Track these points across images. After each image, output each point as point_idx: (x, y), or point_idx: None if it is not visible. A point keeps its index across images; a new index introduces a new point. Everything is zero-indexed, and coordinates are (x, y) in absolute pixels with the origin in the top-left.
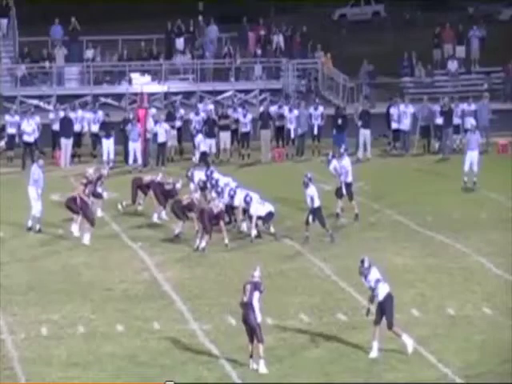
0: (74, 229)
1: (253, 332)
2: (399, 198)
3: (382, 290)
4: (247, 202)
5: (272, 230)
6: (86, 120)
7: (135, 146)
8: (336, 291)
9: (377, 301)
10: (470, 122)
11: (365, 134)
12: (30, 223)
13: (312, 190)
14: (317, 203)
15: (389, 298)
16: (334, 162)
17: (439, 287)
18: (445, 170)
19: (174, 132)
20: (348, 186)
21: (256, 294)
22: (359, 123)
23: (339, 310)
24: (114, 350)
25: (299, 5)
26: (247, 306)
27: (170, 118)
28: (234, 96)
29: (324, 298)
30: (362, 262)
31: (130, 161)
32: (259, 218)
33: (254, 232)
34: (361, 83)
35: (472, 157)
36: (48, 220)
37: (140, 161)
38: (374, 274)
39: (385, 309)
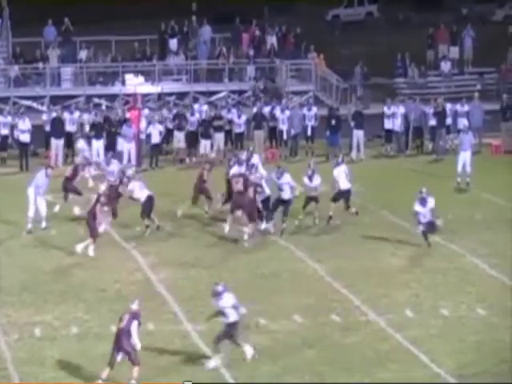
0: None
1: (128, 356)
2: (394, 199)
3: (233, 316)
4: None
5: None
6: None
7: (129, 147)
8: (330, 292)
9: (226, 321)
10: (463, 122)
11: (358, 134)
12: (29, 226)
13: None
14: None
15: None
16: (343, 167)
17: (433, 288)
18: (438, 170)
19: (182, 134)
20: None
21: (134, 323)
22: (352, 124)
23: (333, 310)
24: (107, 351)
25: (293, 5)
26: (123, 332)
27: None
28: (227, 97)
29: (318, 299)
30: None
31: (125, 162)
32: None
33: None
34: (354, 84)
35: (465, 157)
36: (41, 221)
37: (133, 162)
38: (228, 300)
39: (231, 331)
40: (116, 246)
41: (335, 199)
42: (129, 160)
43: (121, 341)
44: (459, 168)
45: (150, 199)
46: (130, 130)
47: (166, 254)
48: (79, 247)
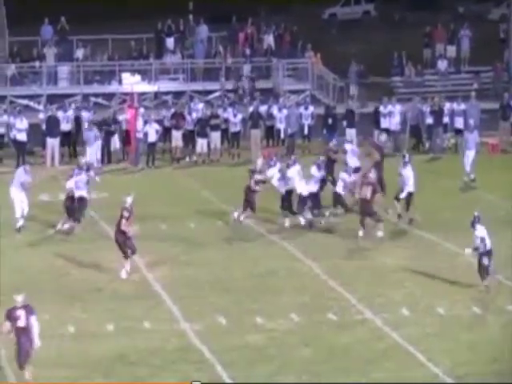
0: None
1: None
2: (389, 198)
3: None
4: None
5: None
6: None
7: (91, 151)
8: (326, 290)
9: None
10: (469, 121)
11: (350, 133)
12: (18, 225)
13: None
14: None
15: None
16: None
17: (429, 287)
18: (435, 169)
19: (179, 133)
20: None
21: (33, 318)
22: (344, 123)
23: (329, 309)
24: (104, 350)
25: (289, 4)
26: (25, 331)
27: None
28: (223, 96)
29: (314, 298)
30: None
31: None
32: None
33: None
34: (350, 83)
35: (470, 156)
36: (37, 220)
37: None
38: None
39: None
40: (112, 246)
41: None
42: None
43: (23, 340)
44: (467, 167)
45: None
46: (91, 134)
47: (162, 254)
48: (123, 274)
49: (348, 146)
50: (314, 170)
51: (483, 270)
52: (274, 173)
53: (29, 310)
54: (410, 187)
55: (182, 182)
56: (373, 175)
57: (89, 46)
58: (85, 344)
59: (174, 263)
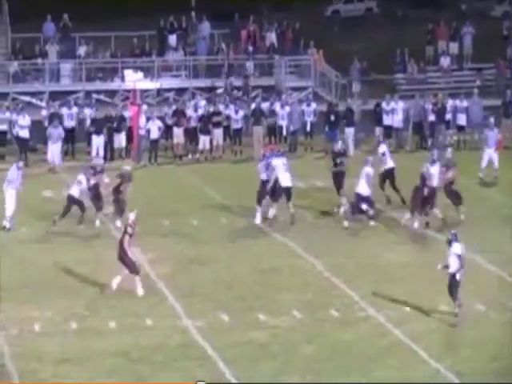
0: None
1: None
2: (392, 195)
3: None
4: None
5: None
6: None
7: (54, 148)
8: (329, 288)
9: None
10: (490, 119)
11: (348, 132)
12: (7, 224)
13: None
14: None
15: None
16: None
17: (432, 283)
18: None
19: (181, 130)
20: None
21: None
22: (344, 122)
23: (332, 306)
24: (107, 347)
25: (292, 2)
26: None
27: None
28: (225, 93)
29: (317, 295)
30: None
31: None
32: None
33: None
34: (352, 80)
35: (490, 154)
36: (40, 216)
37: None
38: None
39: None
40: (115, 243)
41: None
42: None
43: None
44: (484, 164)
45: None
46: (56, 131)
47: (165, 251)
48: (114, 283)
49: (383, 147)
50: (368, 169)
51: (455, 290)
52: (261, 166)
53: None
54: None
55: (184, 179)
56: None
57: (91, 43)
58: (88, 341)
59: (177, 260)
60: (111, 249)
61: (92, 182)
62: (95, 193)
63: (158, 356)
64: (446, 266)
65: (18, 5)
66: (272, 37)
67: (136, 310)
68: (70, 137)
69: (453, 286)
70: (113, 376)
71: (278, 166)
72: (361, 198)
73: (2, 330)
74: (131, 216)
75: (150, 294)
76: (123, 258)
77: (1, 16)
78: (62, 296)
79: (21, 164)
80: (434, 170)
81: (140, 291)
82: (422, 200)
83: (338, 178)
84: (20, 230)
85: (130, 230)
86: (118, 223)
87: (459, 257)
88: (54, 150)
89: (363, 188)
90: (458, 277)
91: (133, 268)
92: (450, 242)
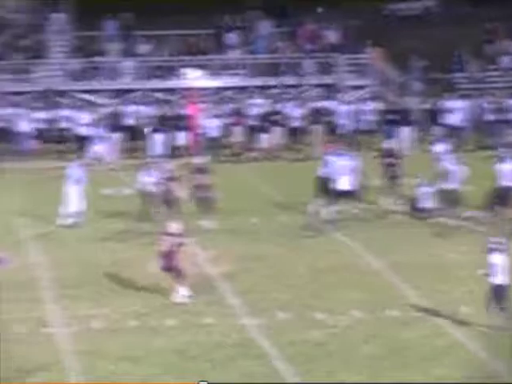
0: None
1: None
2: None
3: None
4: None
5: None
6: (140, 114)
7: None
8: (387, 287)
9: None
10: None
11: (406, 131)
12: (71, 220)
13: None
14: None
15: None
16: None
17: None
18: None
19: (239, 128)
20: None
21: None
22: (400, 121)
23: (390, 305)
24: (165, 345)
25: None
26: None
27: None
28: (285, 91)
29: (375, 294)
30: None
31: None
32: None
33: None
34: (411, 78)
35: None
36: (99, 214)
37: None
38: None
39: None
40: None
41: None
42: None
43: None
44: None
45: None
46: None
47: (224, 248)
48: (177, 298)
49: (440, 147)
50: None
51: (497, 299)
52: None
53: None
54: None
55: (243, 177)
56: None
57: (151, 42)
58: (146, 338)
59: (235, 258)
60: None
61: (163, 186)
62: (167, 198)
63: (216, 354)
64: (487, 274)
65: (80, 3)
66: (331, 35)
67: (194, 307)
68: (129, 135)
69: (493, 294)
70: (170, 374)
71: (338, 166)
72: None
73: (62, 327)
74: (176, 226)
75: (208, 291)
76: (171, 264)
77: (62, 14)
78: (120, 294)
79: (82, 162)
80: (506, 168)
81: (177, 298)
82: (497, 199)
83: (391, 176)
84: (80, 227)
85: (178, 240)
86: (206, 223)
87: (499, 266)
88: (110, 147)
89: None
90: (498, 286)
91: (178, 275)
92: (491, 250)
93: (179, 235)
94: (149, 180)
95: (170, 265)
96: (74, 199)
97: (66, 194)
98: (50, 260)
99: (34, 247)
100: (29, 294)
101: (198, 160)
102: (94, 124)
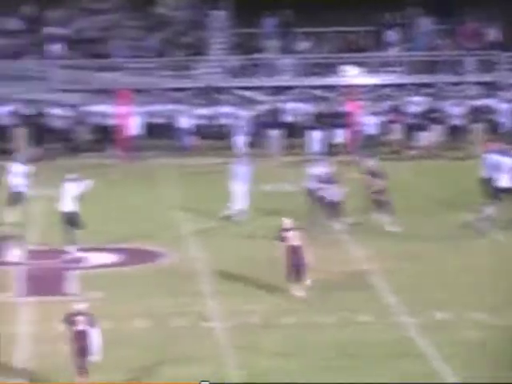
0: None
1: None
2: None
3: None
4: None
5: None
6: (298, 111)
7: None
8: None
9: None
10: None
11: None
12: (236, 216)
13: None
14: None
15: None
16: None
17: None
18: None
19: (397, 126)
20: None
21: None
22: None
23: None
24: (322, 341)
25: None
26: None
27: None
28: (444, 89)
29: None
30: None
31: None
32: None
33: None
34: None
35: None
36: (259, 211)
37: None
38: None
39: None
40: (328, 238)
41: None
42: None
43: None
44: None
45: None
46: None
47: (379, 247)
48: (298, 292)
49: None
50: None
51: None
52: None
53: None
54: None
55: (402, 176)
56: None
57: (310, 39)
58: (303, 335)
59: (392, 256)
60: (324, 244)
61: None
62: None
63: (373, 351)
64: None
65: (239, 0)
66: (493, 32)
67: (351, 304)
68: (287, 132)
69: None
70: (327, 371)
71: (499, 164)
72: None
73: (219, 321)
74: (288, 221)
75: (365, 288)
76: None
77: (222, 11)
78: (276, 290)
79: (247, 158)
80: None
81: (298, 292)
82: None
83: None
84: (241, 224)
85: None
86: (389, 226)
87: None
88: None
89: None
90: None
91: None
92: None
93: (290, 230)
94: (313, 178)
95: (297, 260)
96: (238, 196)
97: (230, 190)
98: (208, 255)
99: (194, 242)
100: (188, 288)
101: (369, 162)
102: (253, 121)
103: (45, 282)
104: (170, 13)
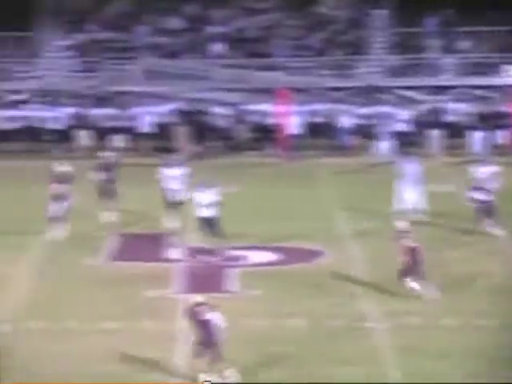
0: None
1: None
2: None
3: None
4: None
5: None
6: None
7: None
8: None
9: None
10: None
11: None
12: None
13: None
14: None
15: None
16: None
17: None
18: None
19: None
20: None
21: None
22: None
23: None
24: (482, 345)
25: None
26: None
27: None
28: None
29: None
30: None
31: None
32: None
33: None
34: None
35: None
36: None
37: None
38: None
39: None
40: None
41: None
42: None
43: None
44: None
45: None
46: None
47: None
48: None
49: None
50: None
51: None
52: None
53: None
54: None
55: None
56: None
57: (472, 38)
58: (465, 337)
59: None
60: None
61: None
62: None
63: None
64: None
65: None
66: None
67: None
68: (449, 132)
69: None
70: (486, 377)
71: None
72: None
73: (379, 321)
74: (403, 223)
75: None
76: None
77: (383, 10)
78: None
79: (416, 158)
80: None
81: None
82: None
83: None
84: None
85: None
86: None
87: None
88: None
89: None
90: None
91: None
92: None
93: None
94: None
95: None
96: (409, 196)
97: (399, 190)
98: (366, 256)
99: (353, 242)
100: (344, 288)
101: None
102: (413, 121)
103: (204, 279)
104: (331, 12)
